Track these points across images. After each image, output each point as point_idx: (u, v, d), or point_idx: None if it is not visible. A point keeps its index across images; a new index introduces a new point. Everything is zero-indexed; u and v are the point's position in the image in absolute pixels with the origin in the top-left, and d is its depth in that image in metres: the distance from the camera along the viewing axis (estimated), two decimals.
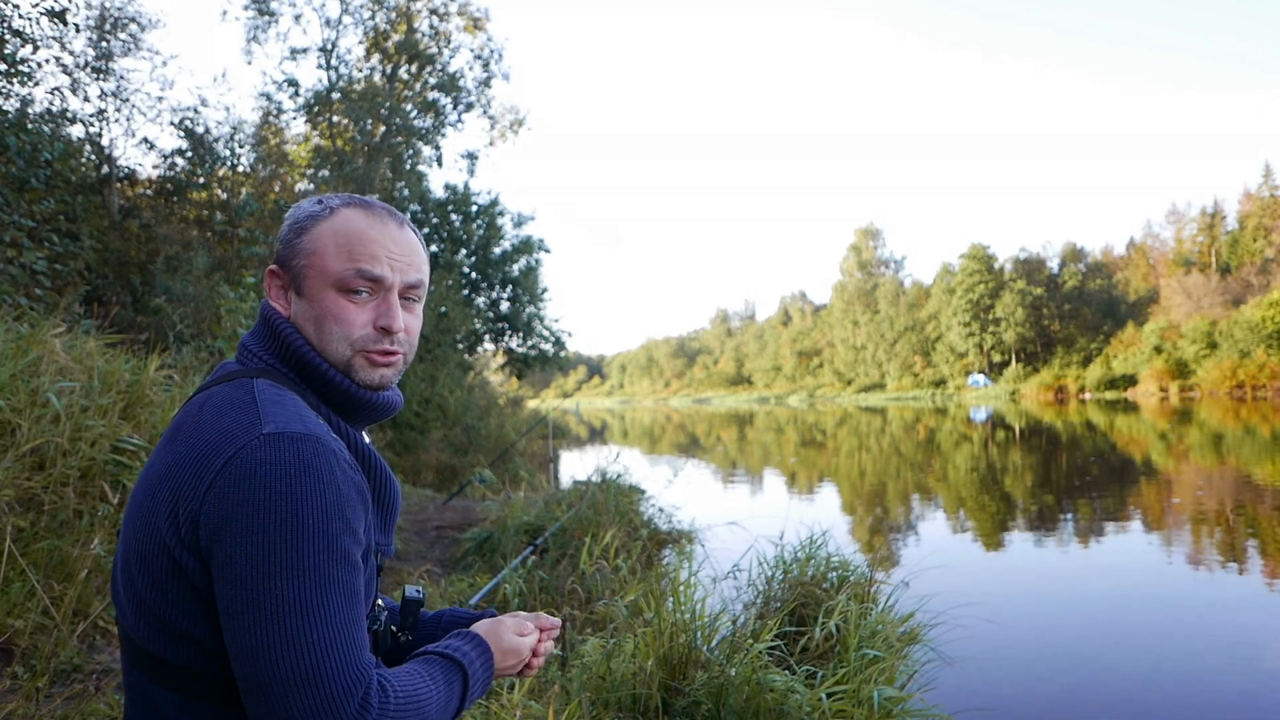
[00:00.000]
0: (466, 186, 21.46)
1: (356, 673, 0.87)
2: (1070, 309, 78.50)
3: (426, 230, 20.39)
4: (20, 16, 8.85)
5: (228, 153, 13.18)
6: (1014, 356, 79.05)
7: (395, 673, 0.96)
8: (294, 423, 0.94)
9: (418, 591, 1.16)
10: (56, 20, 9.38)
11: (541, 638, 1.20)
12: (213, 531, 0.89)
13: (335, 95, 17.46)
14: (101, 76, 11.54)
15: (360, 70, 19.39)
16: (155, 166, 12.93)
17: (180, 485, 0.92)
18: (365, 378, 1.07)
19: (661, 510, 7.87)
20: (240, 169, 13.67)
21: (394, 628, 1.14)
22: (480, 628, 1.13)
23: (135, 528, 0.97)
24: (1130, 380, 61.86)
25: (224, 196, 13.49)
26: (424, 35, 20.22)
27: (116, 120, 12.03)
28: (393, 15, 19.58)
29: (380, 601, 1.11)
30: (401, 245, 1.09)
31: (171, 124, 12.64)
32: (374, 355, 1.07)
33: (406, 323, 1.09)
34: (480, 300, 22.09)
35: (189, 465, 0.93)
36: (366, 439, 1.11)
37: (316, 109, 17.42)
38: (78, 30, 10.70)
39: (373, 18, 19.04)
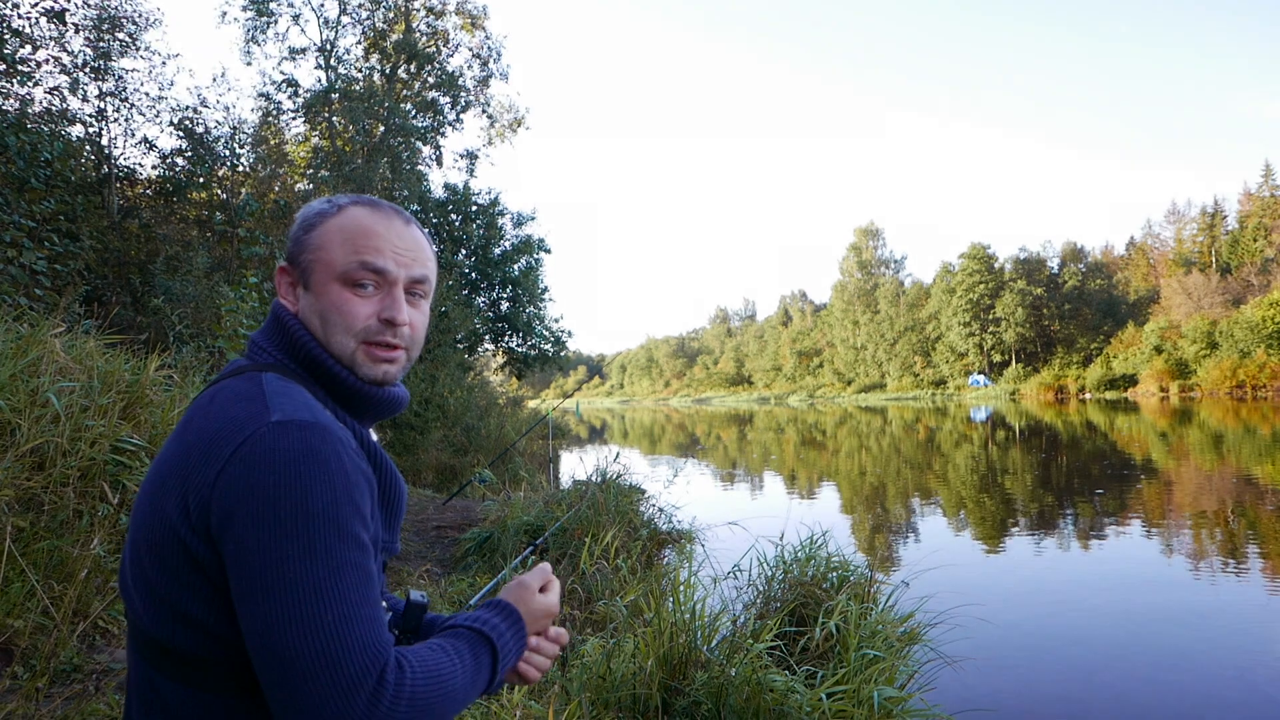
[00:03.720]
0: (466, 186, 21.45)
1: (374, 650, 0.88)
2: (1070, 309, 78.51)
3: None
4: (20, 17, 8.86)
5: (227, 153, 13.19)
6: (1014, 356, 79.05)
7: (416, 649, 0.96)
8: (301, 411, 0.96)
9: (422, 596, 1.16)
10: (55, 21, 9.38)
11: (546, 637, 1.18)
12: (223, 517, 0.90)
13: (334, 95, 17.46)
14: (100, 76, 11.54)
15: (359, 70, 19.40)
16: (155, 166, 12.93)
17: (190, 473, 0.93)
18: (368, 372, 1.09)
19: (661, 510, 7.85)
20: (240, 169, 13.67)
21: (396, 630, 1.14)
22: (508, 593, 1.12)
23: (145, 516, 0.98)
24: (1130, 380, 61.86)
25: (224, 196, 13.49)
26: (422, 34, 20.22)
27: (116, 120, 12.03)
28: (391, 15, 19.58)
29: (384, 602, 1.11)
30: (407, 241, 1.11)
31: (171, 124, 12.65)
32: (376, 349, 1.08)
33: (411, 318, 1.11)
34: (480, 300, 22.07)
35: (199, 453, 0.94)
36: (374, 437, 1.12)
37: (315, 109, 17.42)
38: (76, 30, 10.71)
39: (370, 17, 19.05)
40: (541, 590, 1.15)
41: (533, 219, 22.67)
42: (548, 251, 22.82)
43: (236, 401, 0.98)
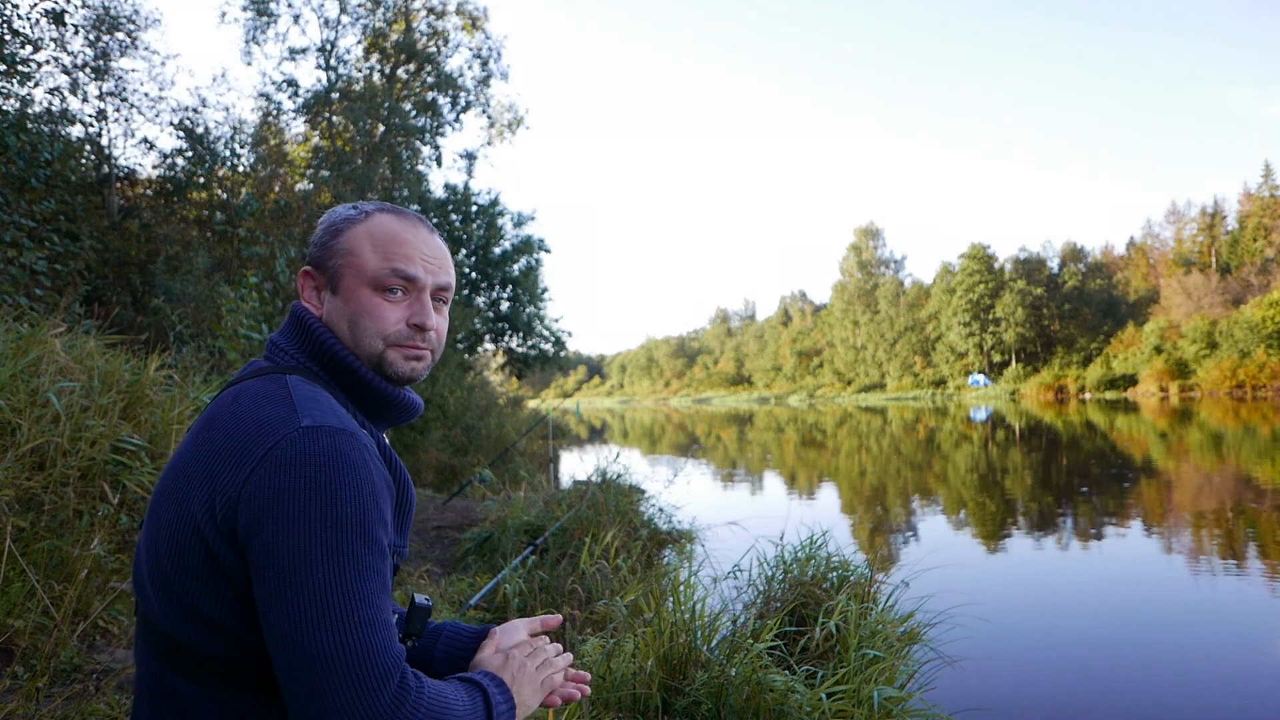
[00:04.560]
0: (466, 187, 21.46)
1: (394, 655, 0.90)
2: (1070, 309, 78.54)
3: None
4: (20, 17, 8.87)
5: (228, 153, 13.18)
6: (1014, 356, 79.07)
7: (422, 677, 0.98)
8: (330, 417, 0.98)
9: (426, 600, 1.18)
10: (55, 21, 9.39)
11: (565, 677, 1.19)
12: (253, 519, 0.91)
13: (334, 95, 17.46)
14: (100, 76, 11.53)
15: (359, 70, 19.40)
16: (155, 166, 12.92)
17: (218, 474, 0.94)
18: (399, 369, 1.12)
19: (661, 510, 7.86)
20: (240, 169, 13.67)
21: (400, 634, 1.15)
22: (494, 667, 1.13)
23: (166, 515, 0.99)
24: (1130, 380, 61.87)
25: (224, 196, 13.48)
26: (422, 34, 20.22)
27: (116, 120, 12.03)
28: (390, 15, 19.58)
29: None
30: (433, 249, 1.15)
31: (171, 124, 12.65)
32: (406, 348, 1.12)
33: (436, 323, 1.14)
34: (480, 300, 22.09)
35: (227, 454, 0.95)
36: (387, 442, 1.14)
37: (316, 109, 17.42)
38: (76, 31, 10.71)
39: (370, 15, 19.04)
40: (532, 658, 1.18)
41: (532, 219, 22.71)
42: (548, 251, 22.85)
43: (263, 403, 0.99)
